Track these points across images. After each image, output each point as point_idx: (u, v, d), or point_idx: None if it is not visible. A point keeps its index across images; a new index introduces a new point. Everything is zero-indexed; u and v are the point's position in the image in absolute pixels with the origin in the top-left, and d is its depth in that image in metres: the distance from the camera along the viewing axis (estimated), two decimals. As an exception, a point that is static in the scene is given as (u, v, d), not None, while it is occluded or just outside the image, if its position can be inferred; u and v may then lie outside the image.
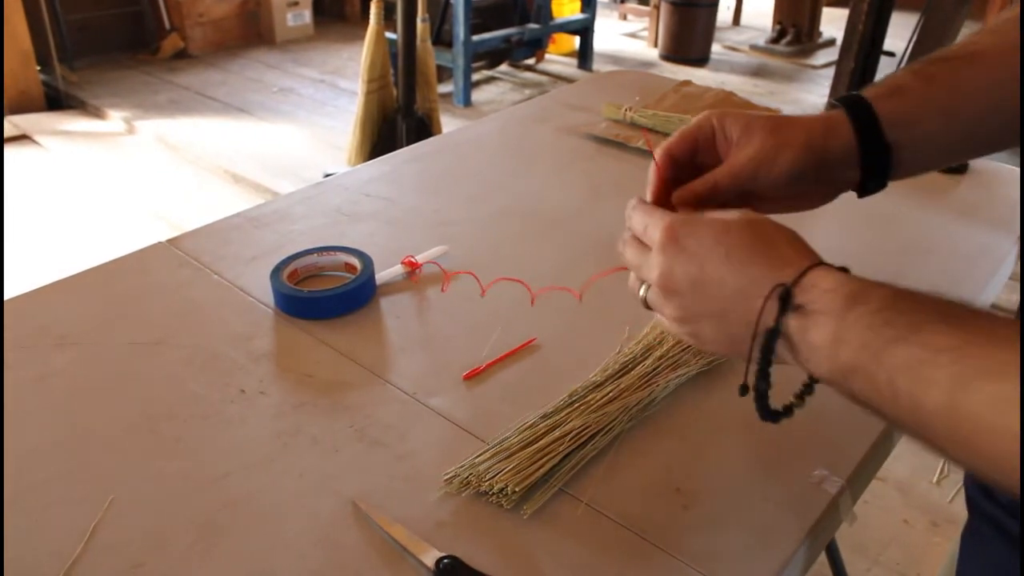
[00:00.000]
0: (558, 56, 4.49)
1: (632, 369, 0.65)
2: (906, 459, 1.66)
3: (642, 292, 0.49)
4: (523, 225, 0.91)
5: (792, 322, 0.40)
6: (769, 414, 0.45)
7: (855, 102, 0.51)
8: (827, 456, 0.59)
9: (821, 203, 0.55)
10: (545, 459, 0.56)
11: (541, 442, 0.57)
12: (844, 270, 0.42)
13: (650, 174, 0.53)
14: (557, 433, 0.58)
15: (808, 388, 0.46)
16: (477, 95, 3.90)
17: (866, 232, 0.93)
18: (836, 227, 0.96)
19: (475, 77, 4.00)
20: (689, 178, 0.52)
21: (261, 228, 0.89)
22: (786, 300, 0.40)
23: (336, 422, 0.61)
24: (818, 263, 0.42)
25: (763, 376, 0.43)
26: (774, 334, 0.41)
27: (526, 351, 0.70)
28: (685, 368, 0.65)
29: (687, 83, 1.29)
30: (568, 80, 4.07)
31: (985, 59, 0.51)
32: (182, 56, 4.30)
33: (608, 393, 0.62)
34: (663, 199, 0.52)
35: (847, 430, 0.61)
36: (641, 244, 0.48)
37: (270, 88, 3.91)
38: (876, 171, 0.52)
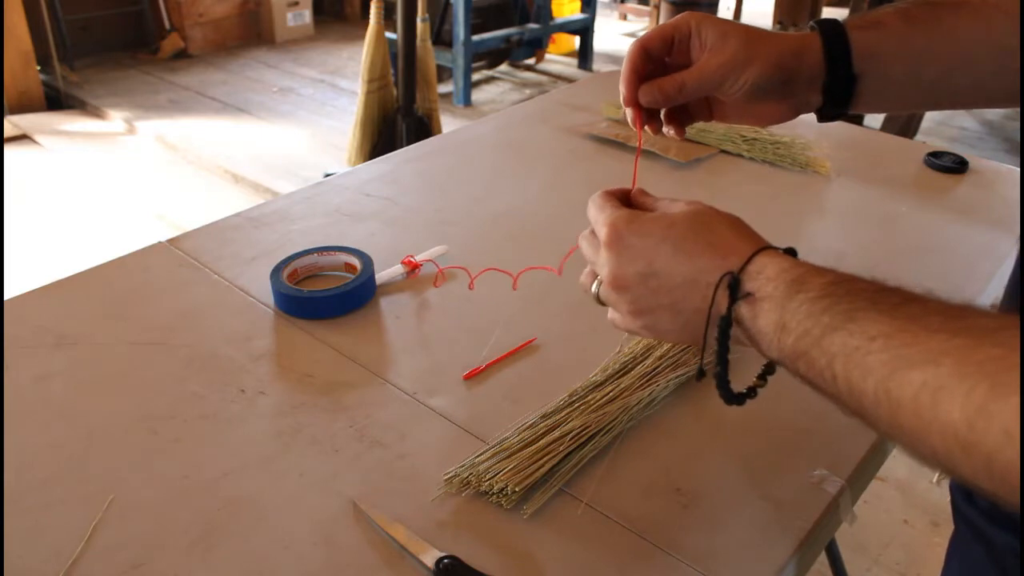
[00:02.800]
0: (558, 56, 4.48)
1: (632, 369, 0.65)
2: (906, 459, 1.66)
3: (594, 288, 0.49)
4: (523, 224, 0.91)
5: (743, 309, 0.41)
6: (732, 397, 0.46)
7: (832, 28, 0.52)
8: (827, 456, 0.59)
9: (779, 120, 0.56)
10: (545, 459, 0.56)
11: (541, 442, 0.57)
12: (790, 251, 0.43)
13: (624, 69, 0.53)
14: (557, 433, 0.58)
15: (768, 369, 0.47)
16: (477, 95, 3.90)
17: (866, 232, 0.93)
18: (837, 227, 0.96)
19: (475, 77, 4.00)
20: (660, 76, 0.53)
21: (261, 228, 0.89)
22: (735, 288, 0.41)
23: (336, 422, 0.61)
24: (763, 248, 0.42)
25: (721, 361, 0.44)
26: (727, 321, 0.42)
27: (526, 351, 0.70)
28: (685, 368, 0.65)
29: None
30: (568, 80, 4.07)
31: (969, 9, 0.51)
32: (182, 56, 4.30)
33: (608, 393, 0.62)
34: (635, 96, 0.53)
35: (847, 430, 0.61)
36: (595, 238, 0.49)
37: (270, 88, 3.91)
38: (838, 99, 0.53)
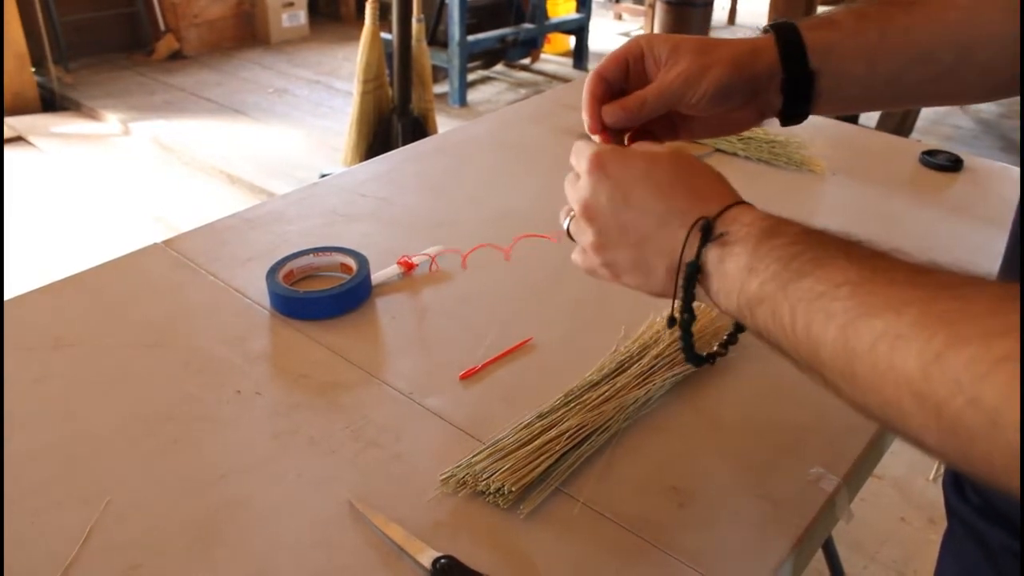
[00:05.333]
0: (553, 56, 4.49)
1: (628, 368, 0.65)
2: (903, 457, 1.67)
3: (565, 222, 0.50)
4: (519, 224, 0.91)
5: (711, 253, 0.41)
6: (693, 356, 0.47)
7: (786, 29, 0.52)
8: (823, 454, 0.59)
9: (746, 127, 0.56)
10: (542, 458, 0.56)
11: (537, 441, 0.57)
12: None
13: (584, 98, 0.54)
14: (553, 432, 0.58)
15: (732, 337, 0.48)
16: (472, 95, 3.90)
17: (861, 230, 0.93)
18: (832, 226, 0.96)
19: (470, 77, 4.00)
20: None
21: (257, 229, 0.89)
22: (708, 232, 0.42)
23: (332, 423, 0.61)
24: (740, 201, 0.43)
25: (687, 309, 0.44)
26: (695, 266, 0.42)
27: (522, 351, 0.70)
28: (681, 367, 0.65)
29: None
30: (563, 80, 4.07)
31: (922, 8, 0.52)
32: (177, 57, 4.29)
33: (604, 392, 0.62)
34: (599, 122, 0.54)
35: (843, 428, 0.61)
36: (577, 177, 0.49)
37: (265, 89, 3.90)
38: (798, 98, 0.53)
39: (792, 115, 0.54)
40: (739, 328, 0.46)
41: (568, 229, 0.49)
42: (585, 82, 0.54)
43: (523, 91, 3.99)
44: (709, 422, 0.63)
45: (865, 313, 0.33)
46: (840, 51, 0.52)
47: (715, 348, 0.48)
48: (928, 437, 0.31)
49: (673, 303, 0.44)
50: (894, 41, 0.52)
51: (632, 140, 0.55)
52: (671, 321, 0.46)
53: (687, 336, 0.46)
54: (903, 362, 0.31)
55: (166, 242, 0.85)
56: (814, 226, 0.40)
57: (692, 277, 0.42)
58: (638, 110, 0.52)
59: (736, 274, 0.40)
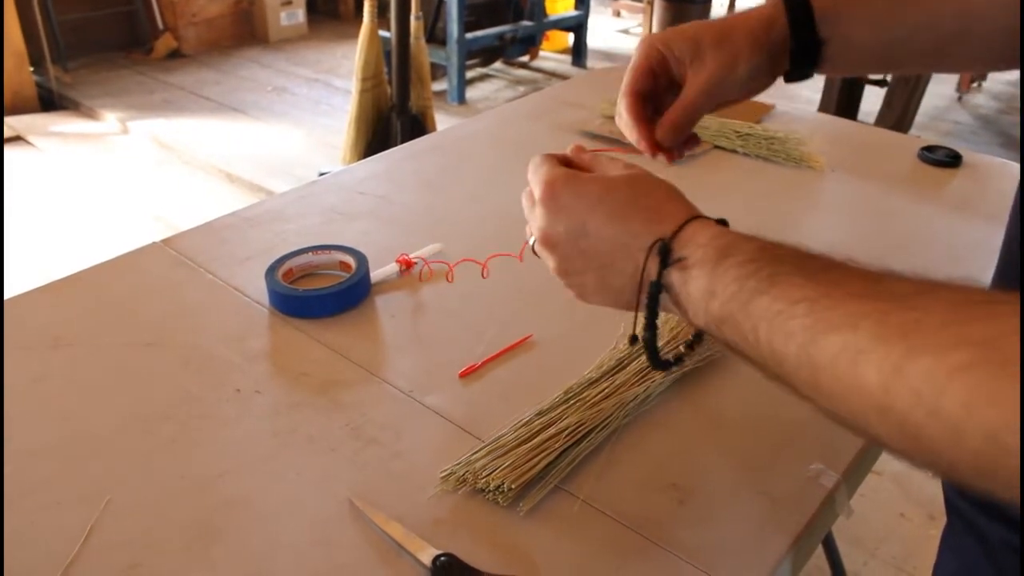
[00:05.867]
0: (552, 53, 4.48)
1: (627, 365, 0.65)
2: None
3: (531, 242, 0.50)
4: (518, 222, 0.91)
5: (674, 275, 0.42)
6: (659, 363, 0.47)
7: None
8: (823, 450, 0.59)
9: (759, 92, 0.57)
10: (541, 456, 0.56)
11: (537, 439, 0.57)
12: (722, 222, 0.44)
13: (628, 122, 0.54)
14: (553, 430, 0.58)
15: (697, 338, 0.48)
16: (471, 92, 3.90)
17: (861, 227, 0.93)
18: (831, 222, 0.96)
19: (469, 75, 3.99)
20: (657, 108, 0.55)
21: (256, 227, 0.89)
22: (665, 254, 0.42)
23: (332, 421, 0.61)
24: (695, 216, 0.43)
25: (650, 327, 0.44)
26: (657, 287, 0.43)
27: (522, 348, 0.70)
28: (680, 366, 0.65)
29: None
30: (562, 77, 4.07)
31: None
32: (176, 56, 4.29)
33: (604, 389, 0.62)
34: (654, 144, 0.55)
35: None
36: (532, 198, 0.49)
37: (264, 87, 3.90)
38: (804, 62, 0.54)
39: (798, 75, 0.56)
40: (700, 334, 0.47)
41: (533, 249, 0.50)
42: (621, 105, 0.55)
43: (522, 88, 3.99)
44: (709, 419, 0.63)
45: (823, 330, 0.33)
46: (847, 18, 0.53)
47: (681, 349, 0.49)
48: (895, 445, 0.32)
49: (635, 321, 0.45)
50: (900, 8, 0.53)
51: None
52: (633, 339, 0.46)
53: (653, 350, 0.46)
54: (864, 376, 0.31)
55: (165, 241, 0.85)
56: (769, 240, 0.40)
57: (655, 299, 0.43)
58: (690, 118, 0.53)
59: (698, 297, 0.41)
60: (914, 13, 0.53)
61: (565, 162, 0.50)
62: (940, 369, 0.28)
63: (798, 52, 0.53)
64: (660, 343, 0.48)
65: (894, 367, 0.30)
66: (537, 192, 0.47)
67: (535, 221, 0.48)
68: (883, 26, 0.53)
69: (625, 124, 0.55)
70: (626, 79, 0.55)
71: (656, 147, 0.55)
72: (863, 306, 0.32)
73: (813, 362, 0.34)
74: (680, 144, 0.56)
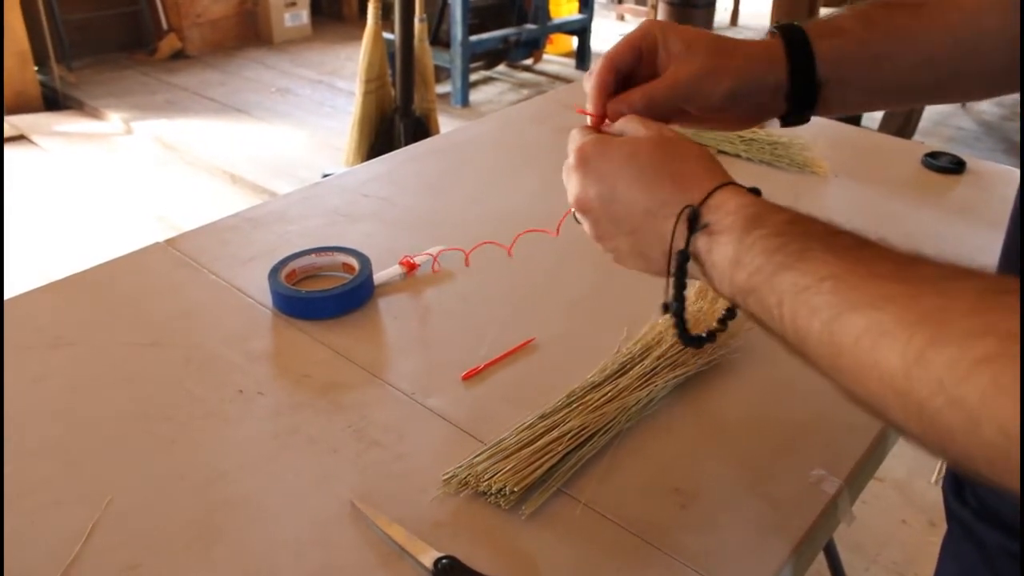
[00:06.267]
0: (556, 56, 4.49)
1: (630, 369, 0.65)
2: (905, 459, 1.66)
3: (573, 211, 0.50)
4: (521, 225, 0.91)
5: (700, 241, 0.42)
6: (689, 339, 0.47)
7: (795, 37, 0.52)
8: (825, 456, 0.59)
9: (745, 126, 0.56)
10: (543, 459, 0.56)
11: (539, 442, 0.57)
12: (754, 191, 0.43)
13: (592, 86, 0.53)
14: (555, 433, 0.58)
15: (730, 313, 0.48)
16: (475, 95, 3.90)
17: (864, 231, 0.93)
18: (834, 227, 0.96)
19: (473, 77, 4.00)
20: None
21: (259, 228, 0.89)
22: (694, 221, 0.42)
23: (334, 422, 0.61)
24: (726, 183, 0.43)
25: (678, 297, 0.44)
26: (685, 256, 0.42)
27: (524, 351, 0.70)
28: (684, 368, 0.65)
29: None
30: (566, 80, 4.07)
31: (927, 11, 0.52)
32: (180, 56, 4.30)
33: (606, 393, 0.62)
34: (601, 107, 0.53)
35: (845, 430, 0.61)
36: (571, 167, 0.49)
37: (268, 88, 3.91)
38: (802, 104, 0.53)
39: (794, 120, 0.55)
40: (733, 308, 0.46)
41: (576, 217, 0.50)
42: (595, 68, 0.53)
43: (525, 91, 3.99)
44: (711, 423, 0.62)
45: (848, 308, 0.33)
46: (848, 61, 0.52)
47: (714, 325, 0.48)
48: (910, 429, 0.32)
49: (667, 289, 0.45)
50: (900, 48, 0.52)
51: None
52: (664, 307, 0.46)
53: (681, 321, 0.46)
54: (885, 359, 0.31)
55: (168, 241, 0.85)
56: (800, 213, 0.40)
57: (683, 266, 0.43)
58: (644, 106, 0.51)
59: (725, 265, 0.40)
60: (910, 55, 0.52)
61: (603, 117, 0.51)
62: (963, 359, 0.28)
63: (797, 93, 0.52)
64: (692, 320, 0.47)
65: (917, 353, 0.30)
66: (570, 158, 0.48)
67: (570, 187, 0.48)
68: (883, 66, 0.52)
69: (588, 88, 0.54)
70: (611, 47, 0.54)
71: (601, 120, 0.53)
72: (890, 288, 0.32)
73: (835, 340, 0.34)
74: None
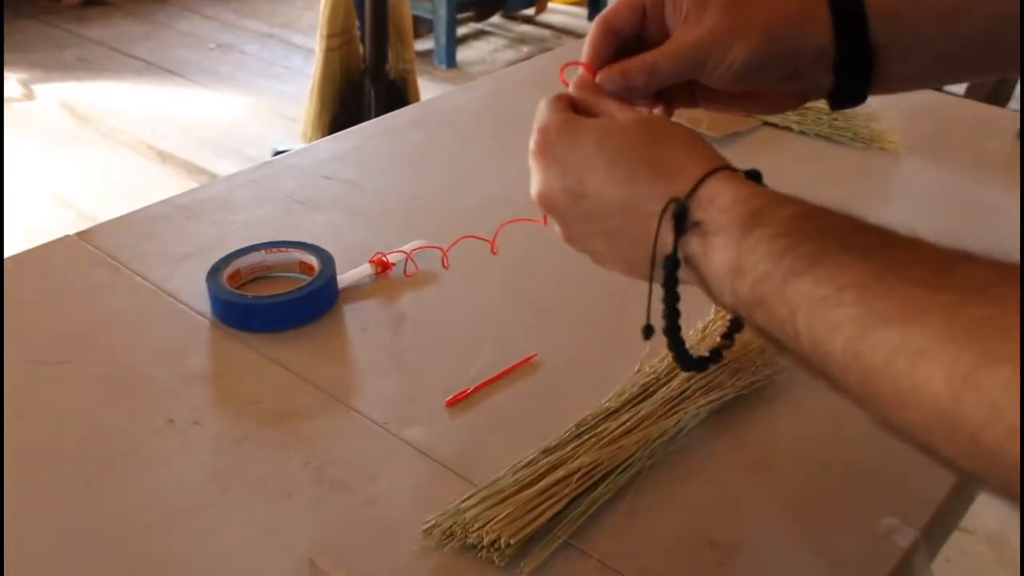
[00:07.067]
0: (563, 5, 4.50)
1: (654, 392, 0.65)
2: (997, 505, 1.66)
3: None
4: (518, 214, 0.92)
5: (693, 243, 0.42)
6: (690, 361, 0.47)
7: None
8: (897, 501, 0.60)
9: (782, 108, 0.56)
10: (547, 504, 0.56)
11: (542, 483, 0.57)
12: (753, 175, 0.43)
13: (584, 52, 0.53)
14: (562, 472, 0.58)
15: (735, 324, 0.48)
16: (463, 53, 3.91)
17: (944, 224, 0.94)
18: (906, 217, 0.96)
19: (460, 31, 4.01)
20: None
21: (195, 219, 0.89)
22: (681, 219, 0.42)
23: (289, 459, 0.62)
24: (716, 169, 0.43)
25: (670, 313, 0.44)
26: (674, 261, 0.42)
27: (524, 370, 0.70)
28: (720, 391, 0.66)
29: None
30: (576, 35, 4.09)
31: None
32: (95, 3, 4.30)
33: (625, 422, 0.62)
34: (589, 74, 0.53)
35: (921, 468, 0.62)
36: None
37: (205, 44, 3.91)
38: (854, 77, 0.51)
39: (846, 98, 0.53)
40: (738, 319, 0.46)
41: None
42: (589, 32, 0.53)
43: (525, 49, 4.01)
44: (755, 460, 0.63)
45: (877, 323, 0.33)
46: (911, 15, 0.50)
47: (718, 342, 0.48)
48: (962, 465, 0.32)
49: (648, 305, 0.45)
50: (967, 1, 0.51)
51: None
52: (646, 332, 0.46)
53: (677, 343, 0.46)
54: (927, 383, 0.31)
55: (80, 234, 0.86)
56: (812, 204, 0.40)
57: (672, 275, 0.43)
58: (644, 79, 0.50)
59: (724, 272, 0.40)
60: (995, 4, 0.50)
61: (577, 107, 0.50)
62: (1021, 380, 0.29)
63: (844, 64, 0.50)
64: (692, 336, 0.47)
65: (965, 374, 0.30)
66: (535, 137, 0.48)
67: (532, 180, 0.48)
68: (959, 20, 0.50)
69: (583, 55, 0.53)
70: (612, 5, 0.53)
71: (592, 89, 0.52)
72: (927, 297, 0.33)
73: (863, 361, 0.34)
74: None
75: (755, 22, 0.49)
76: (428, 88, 3.17)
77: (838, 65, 0.51)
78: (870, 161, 1.04)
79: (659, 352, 0.70)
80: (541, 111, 0.49)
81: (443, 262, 0.80)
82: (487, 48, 4.04)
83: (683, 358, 0.47)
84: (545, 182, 0.47)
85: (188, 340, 0.73)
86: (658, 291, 0.45)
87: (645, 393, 0.66)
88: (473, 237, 0.80)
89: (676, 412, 0.64)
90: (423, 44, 3.73)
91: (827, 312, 0.35)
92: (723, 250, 0.40)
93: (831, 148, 1.07)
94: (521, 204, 0.93)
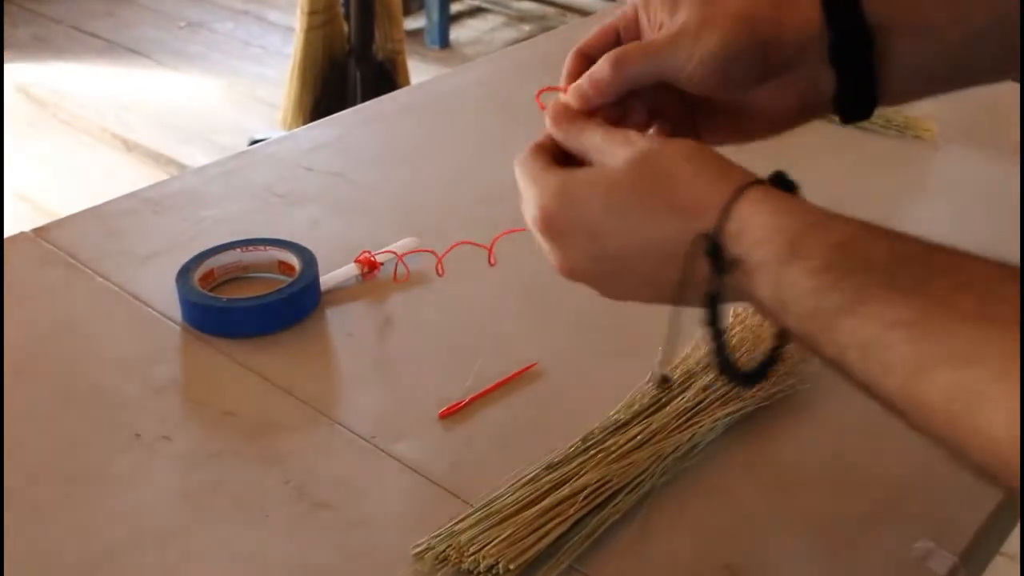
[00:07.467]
0: (569, -22, 4.50)
1: (667, 404, 0.65)
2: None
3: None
4: (517, 209, 0.92)
5: (733, 278, 0.42)
6: (741, 377, 0.47)
7: None
8: (933, 523, 0.60)
9: (785, 124, 0.55)
10: (550, 525, 0.56)
11: (545, 502, 0.57)
12: (779, 181, 0.44)
13: (561, 84, 0.54)
14: (567, 491, 0.58)
15: (782, 339, 0.47)
16: (457, 33, 3.91)
17: (985, 220, 0.94)
18: (944, 213, 0.96)
19: (454, 7, 4.01)
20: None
21: (163, 214, 0.90)
22: (717, 255, 0.42)
23: (266, 477, 0.62)
24: (741, 189, 0.42)
25: (717, 343, 0.45)
26: (714, 299, 0.43)
27: (524, 380, 0.71)
28: (739, 403, 0.66)
29: None
30: (582, 12, 4.08)
31: None
32: (53, -23, 4.30)
33: (635, 437, 0.63)
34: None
35: (959, 486, 0.62)
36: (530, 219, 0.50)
37: (174, 22, 3.91)
38: (855, 73, 0.50)
39: (852, 100, 0.52)
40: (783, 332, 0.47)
41: None
42: (565, 64, 0.54)
43: (526, 27, 4.00)
44: (776, 477, 0.63)
45: (929, 365, 0.35)
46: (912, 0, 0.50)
47: (767, 353, 0.48)
48: None
49: (663, 359, 0.46)
50: None
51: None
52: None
53: (726, 364, 0.46)
54: (987, 426, 0.32)
55: (36, 231, 0.86)
56: (851, 226, 0.40)
57: (714, 312, 0.44)
58: (611, 77, 0.50)
59: (767, 305, 0.42)
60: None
61: (555, 151, 0.51)
62: None
63: (841, 51, 0.49)
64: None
65: None
66: (530, 222, 0.49)
67: (549, 257, 0.49)
68: (961, 7, 0.50)
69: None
70: (587, 36, 0.54)
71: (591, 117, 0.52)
72: (980, 331, 0.34)
73: (920, 401, 0.35)
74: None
75: (726, 10, 0.49)
76: (419, 71, 3.16)
77: (834, 53, 0.50)
78: (904, 150, 1.04)
79: (672, 359, 0.71)
80: (526, 184, 0.50)
81: (437, 270, 0.80)
82: (484, 27, 4.04)
83: (732, 374, 0.47)
84: (564, 258, 0.48)
85: (156, 347, 0.73)
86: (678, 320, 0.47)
87: (657, 405, 0.66)
88: (470, 243, 0.80)
89: (691, 426, 0.64)
90: (414, 22, 3.73)
91: (878, 354, 0.37)
92: (764, 287, 0.41)
93: (862, 137, 1.07)
94: (517, 197, 0.93)
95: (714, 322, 0.44)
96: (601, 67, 0.50)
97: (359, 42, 2.57)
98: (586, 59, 0.53)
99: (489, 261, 0.78)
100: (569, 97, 0.52)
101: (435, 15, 3.71)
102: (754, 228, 0.41)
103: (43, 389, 0.69)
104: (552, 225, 0.47)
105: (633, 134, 0.47)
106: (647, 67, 0.50)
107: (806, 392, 0.68)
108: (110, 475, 0.62)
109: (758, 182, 0.43)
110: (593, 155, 0.48)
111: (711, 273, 0.42)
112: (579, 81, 0.51)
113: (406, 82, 2.68)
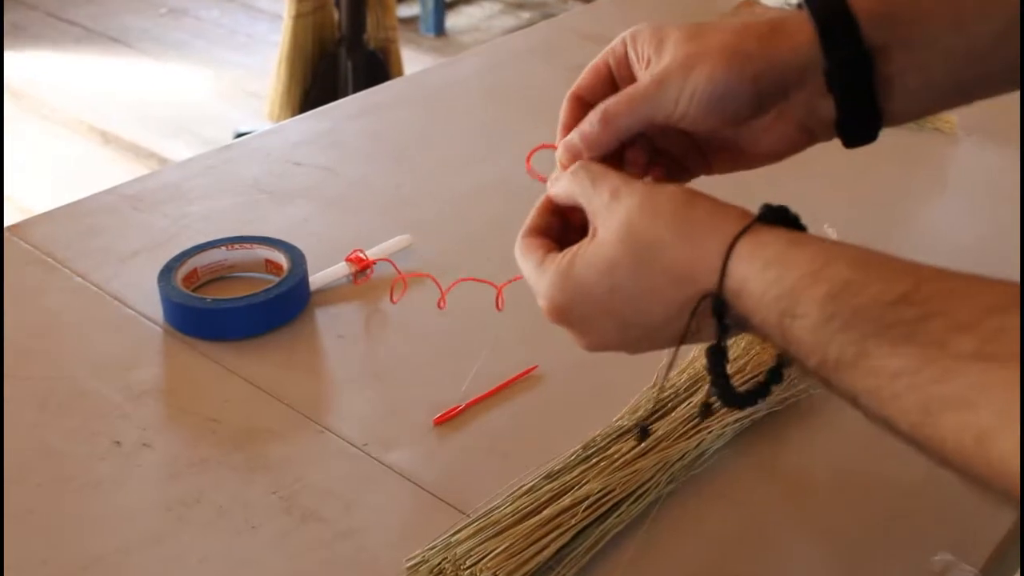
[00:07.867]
0: (570, -37, 4.50)
1: (673, 410, 0.66)
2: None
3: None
4: (515, 206, 0.92)
5: (739, 328, 0.45)
6: (738, 398, 0.49)
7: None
8: (952, 534, 0.60)
9: (789, 151, 0.55)
10: (550, 537, 0.56)
11: (545, 513, 0.57)
12: (772, 215, 0.45)
13: (558, 131, 0.56)
14: (567, 500, 0.58)
15: (782, 361, 0.49)
16: (453, 19, 3.91)
17: (1007, 217, 0.94)
18: (964, 210, 0.96)
19: (451, -7, 4.01)
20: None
21: (144, 210, 0.90)
22: (721, 314, 0.45)
23: (253, 487, 0.62)
24: (731, 244, 0.44)
25: (719, 382, 0.48)
26: (719, 352, 0.46)
27: (523, 384, 0.71)
28: (748, 408, 0.66)
29: (751, 2, 1.30)
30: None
31: None
32: (28, -38, 4.30)
33: (639, 444, 0.63)
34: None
35: (979, 498, 0.62)
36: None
37: (155, 8, 3.91)
38: (854, 99, 0.50)
39: (854, 126, 0.52)
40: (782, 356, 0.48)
41: None
42: (561, 110, 0.56)
43: (525, 15, 4.00)
44: (788, 486, 0.63)
45: (935, 410, 0.36)
46: (911, 14, 0.50)
47: (764, 375, 0.50)
48: None
49: (709, 386, 0.49)
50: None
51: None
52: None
53: (726, 394, 0.49)
54: (1000, 462, 0.34)
55: (11, 228, 0.86)
56: (839, 274, 0.41)
57: (717, 360, 0.47)
58: (601, 133, 0.52)
59: (781, 350, 0.44)
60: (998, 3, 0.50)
61: (552, 219, 0.54)
62: None
63: (839, 78, 0.49)
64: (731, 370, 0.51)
65: None
66: (543, 311, 0.51)
67: (572, 337, 0.52)
68: (967, 19, 0.50)
69: (558, 140, 0.56)
70: (579, 79, 0.56)
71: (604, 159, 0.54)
72: (981, 374, 0.35)
73: (931, 441, 0.37)
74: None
75: (713, 46, 0.50)
76: (413, 60, 3.17)
77: (830, 81, 0.50)
78: (923, 144, 1.04)
79: (678, 363, 0.71)
80: (526, 268, 0.53)
81: (439, 304, 0.77)
82: (480, 14, 4.04)
83: (730, 397, 0.49)
84: (588, 340, 0.51)
85: (137, 350, 0.73)
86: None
87: (662, 410, 0.66)
88: (475, 280, 0.76)
89: (698, 432, 0.64)
90: (407, 9, 3.73)
91: (886, 402, 0.38)
92: (770, 339, 0.44)
93: (881, 130, 1.06)
94: (520, 193, 0.94)
95: (718, 369, 0.47)
96: (591, 123, 0.52)
97: (350, 30, 2.57)
98: (580, 103, 0.55)
99: (497, 307, 0.76)
100: (560, 154, 0.54)
101: (430, 2, 3.71)
102: (752, 286, 0.43)
103: (22, 395, 0.68)
104: (564, 316, 0.50)
105: (623, 188, 0.48)
106: (636, 117, 0.51)
107: (817, 397, 0.68)
108: (90, 483, 0.62)
109: (746, 229, 0.44)
110: (588, 217, 0.50)
111: (717, 330, 0.45)
112: (570, 136, 0.53)
113: (399, 72, 2.68)
